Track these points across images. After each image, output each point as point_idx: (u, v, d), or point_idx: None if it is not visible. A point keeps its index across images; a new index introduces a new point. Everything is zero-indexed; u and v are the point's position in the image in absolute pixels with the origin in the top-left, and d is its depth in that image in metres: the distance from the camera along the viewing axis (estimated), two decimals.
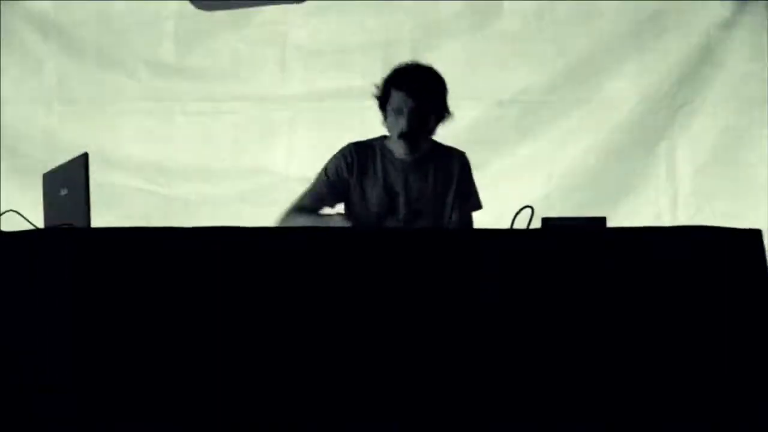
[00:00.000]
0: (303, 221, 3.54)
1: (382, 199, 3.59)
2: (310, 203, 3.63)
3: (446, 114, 3.60)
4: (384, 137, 3.66)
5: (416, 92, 3.50)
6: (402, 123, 3.52)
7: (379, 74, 3.63)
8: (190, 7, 4.93)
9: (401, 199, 3.59)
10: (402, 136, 3.54)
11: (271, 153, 4.91)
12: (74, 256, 2.63)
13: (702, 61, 4.90)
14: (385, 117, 3.60)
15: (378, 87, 3.60)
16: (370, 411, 2.60)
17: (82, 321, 2.58)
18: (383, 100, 3.58)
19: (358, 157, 3.62)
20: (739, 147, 4.87)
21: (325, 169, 3.64)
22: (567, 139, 4.89)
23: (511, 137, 4.91)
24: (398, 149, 3.60)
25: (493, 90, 4.92)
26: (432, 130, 3.61)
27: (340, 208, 3.67)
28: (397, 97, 3.52)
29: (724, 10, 4.86)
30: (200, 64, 4.97)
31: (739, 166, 4.85)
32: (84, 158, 2.89)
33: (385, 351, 2.61)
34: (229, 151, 4.95)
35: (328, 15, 4.94)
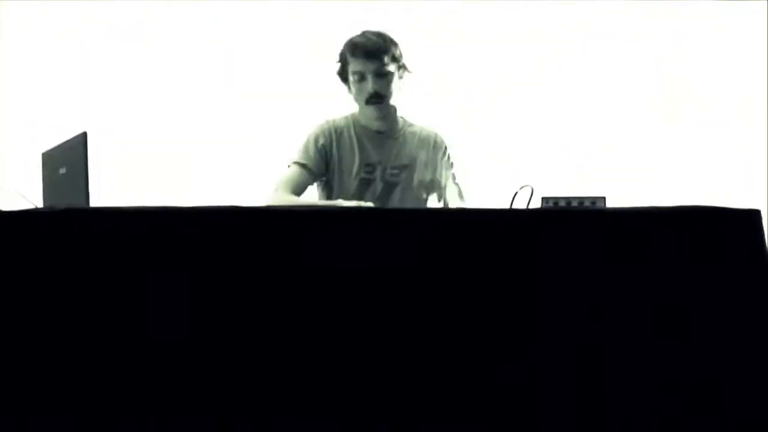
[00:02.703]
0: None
1: (359, 173, 3.63)
2: (298, 178, 3.64)
3: (405, 69, 3.66)
4: (354, 114, 3.72)
5: (373, 54, 3.57)
6: (367, 87, 3.59)
7: None
8: None
9: (378, 173, 3.61)
10: (370, 99, 3.60)
11: (271, 141, 4.93)
12: (73, 235, 2.62)
13: (706, 42, 4.90)
14: (349, 89, 3.66)
15: (337, 61, 3.67)
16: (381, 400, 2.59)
17: (80, 302, 2.57)
18: (344, 71, 3.65)
19: (335, 133, 3.68)
20: (742, 125, 4.88)
21: (307, 143, 3.69)
22: (567, 119, 4.92)
23: (510, 117, 4.93)
24: (370, 117, 3.65)
25: (494, 74, 4.93)
26: (397, 88, 3.66)
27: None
28: (356, 64, 3.59)
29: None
30: (206, 50, 4.98)
31: (741, 146, 4.86)
32: (83, 137, 2.89)
33: (386, 336, 2.60)
34: (231, 137, 4.97)
35: (329, 3, 4.95)
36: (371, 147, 3.67)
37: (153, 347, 2.54)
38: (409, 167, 3.68)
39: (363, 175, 3.64)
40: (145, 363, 2.54)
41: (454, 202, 3.73)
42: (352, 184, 3.63)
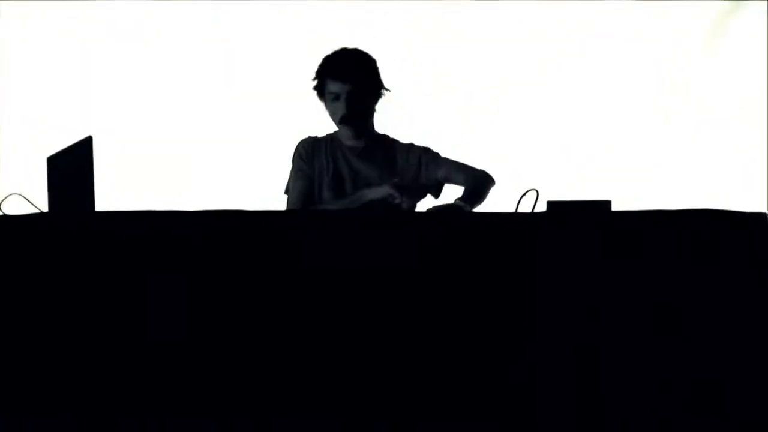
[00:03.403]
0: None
1: (330, 186, 3.64)
2: (302, 203, 3.66)
3: (382, 90, 3.67)
4: (336, 131, 3.72)
5: (349, 76, 3.59)
6: (341, 108, 3.60)
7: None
8: None
9: (348, 185, 3.62)
10: (343, 120, 3.62)
11: (272, 145, 4.93)
12: (79, 239, 2.63)
13: (707, 43, 4.90)
14: (326, 106, 3.67)
15: (313, 78, 3.67)
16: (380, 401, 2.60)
17: (86, 305, 2.58)
18: (320, 90, 3.67)
19: (312, 149, 3.70)
20: (746, 129, 4.87)
21: (294, 159, 3.72)
22: (572, 123, 4.91)
23: (514, 121, 4.92)
24: (345, 135, 3.68)
25: (496, 74, 4.92)
26: (372, 110, 3.68)
27: None
28: (331, 85, 3.62)
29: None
30: (205, 53, 4.98)
31: (746, 149, 4.86)
32: (88, 141, 2.89)
33: (385, 336, 2.60)
34: (233, 141, 4.97)
35: (328, 6, 4.95)
36: (343, 162, 3.67)
37: (153, 347, 2.56)
38: (383, 177, 3.66)
39: (333, 186, 3.63)
40: (144, 363, 2.55)
41: (456, 171, 3.69)
42: (326, 197, 3.62)
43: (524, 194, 2.97)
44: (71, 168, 3.00)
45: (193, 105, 4.99)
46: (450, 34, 4.99)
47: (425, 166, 3.69)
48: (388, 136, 3.75)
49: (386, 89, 3.68)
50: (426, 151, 3.73)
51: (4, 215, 2.89)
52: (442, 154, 3.73)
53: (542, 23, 4.98)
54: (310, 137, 3.74)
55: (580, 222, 2.71)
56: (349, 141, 3.69)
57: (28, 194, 3.23)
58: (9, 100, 4.88)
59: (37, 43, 4.95)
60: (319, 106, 4.60)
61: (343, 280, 2.60)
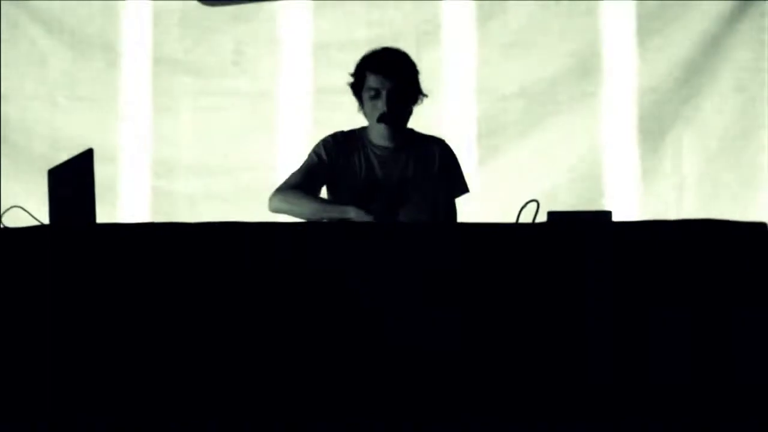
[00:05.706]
0: (308, 203, 3.52)
1: (362, 188, 3.59)
2: (302, 181, 3.60)
3: (421, 95, 3.62)
4: (365, 128, 3.66)
5: (393, 73, 3.53)
6: (381, 105, 3.53)
7: None
8: (194, 2, 4.95)
9: (382, 189, 3.59)
10: (382, 118, 3.54)
11: (275, 149, 4.93)
12: (79, 252, 2.64)
13: (707, 54, 4.90)
14: (361, 103, 3.61)
15: (352, 74, 3.61)
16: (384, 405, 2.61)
17: (87, 317, 2.59)
18: (358, 86, 3.60)
19: (342, 145, 3.63)
20: (744, 140, 4.88)
21: (314, 151, 3.65)
22: (572, 132, 4.90)
23: (516, 131, 4.91)
24: (379, 134, 3.60)
25: (498, 84, 4.92)
26: (410, 113, 3.62)
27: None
28: (373, 80, 3.54)
29: (728, 2, 4.87)
30: (204, 59, 4.98)
31: (744, 159, 4.86)
32: (89, 154, 2.89)
33: (385, 337, 2.61)
34: (233, 146, 4.98)
35: (331, 10, 4.95)
36: (376, 163, 3.62)
37: (154, 347, 2.57)
38: (415, 183, 3.64)
39: (365, 188, 3.60)
40: (144, 363, 2.57)
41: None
42: (355, 198, 3.60)
43: (525, 205, 2.97)
44: (72, 180, 3.01)
45: (196, 112, 5.01)
46: (455, 29, 4.98)
47: (443, 185, 3.68)
48: (413, 130, 3.69)
49: (424, 95, 3.63)
50: (454, 179, 3.68)
51: (5, 228, 2.89)
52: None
53: (547, 17, 4.97)
54: (340, 132, 3.67)
55: (580, 232, 2.72)
56: (381, 141, 3.61)
57: (28, 207, 3.25)
58: (9, 111, 4.90)
59: (38, 54, 4.97)
60: (324, 108, 4.62)
61: (344, 280, 2.62)
